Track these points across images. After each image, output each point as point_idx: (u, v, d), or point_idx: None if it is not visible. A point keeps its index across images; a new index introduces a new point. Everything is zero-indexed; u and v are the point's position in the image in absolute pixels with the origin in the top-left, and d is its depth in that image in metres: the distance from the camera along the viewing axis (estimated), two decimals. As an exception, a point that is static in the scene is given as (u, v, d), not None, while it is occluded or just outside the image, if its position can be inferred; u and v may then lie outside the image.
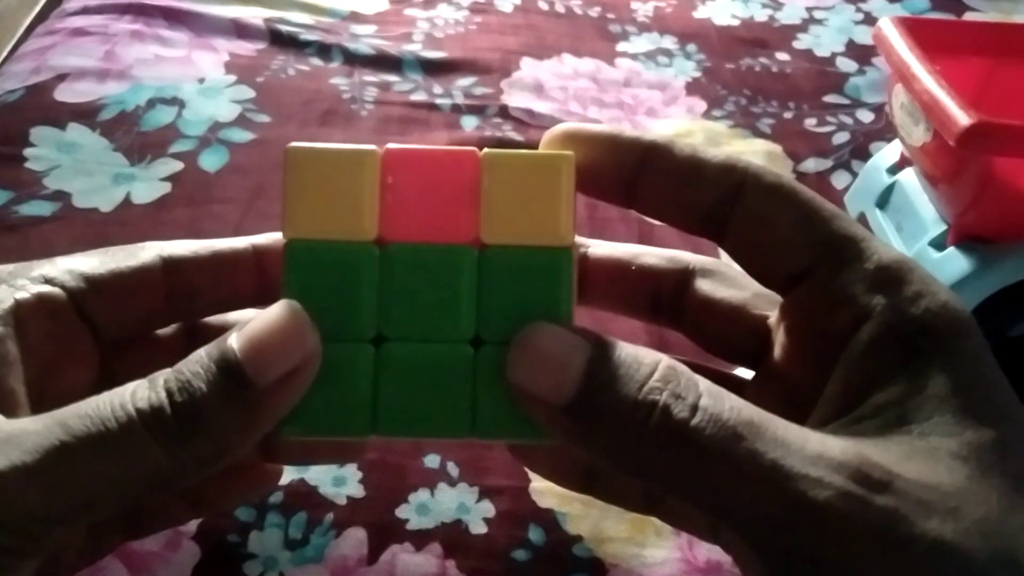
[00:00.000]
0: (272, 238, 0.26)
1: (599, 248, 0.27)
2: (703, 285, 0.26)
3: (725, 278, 0.26)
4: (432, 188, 0.21)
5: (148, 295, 0.24)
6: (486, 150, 0.21)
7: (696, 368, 0.22)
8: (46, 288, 0.23)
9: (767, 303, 0.25)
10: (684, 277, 0.27)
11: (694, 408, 0.19)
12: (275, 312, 0.20)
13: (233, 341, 0.20)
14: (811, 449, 0.19)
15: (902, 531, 0.18)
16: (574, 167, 0.21)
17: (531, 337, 0.20)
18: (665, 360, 0.20)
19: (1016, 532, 0.18)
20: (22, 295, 0.22)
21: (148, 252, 0.24)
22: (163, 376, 0.20)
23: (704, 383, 0.20)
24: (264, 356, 0.20)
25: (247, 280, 0.25)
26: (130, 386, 0.20)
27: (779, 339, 0.24)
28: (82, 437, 0.19)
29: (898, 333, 0.21)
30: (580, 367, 0.20)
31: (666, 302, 0.27)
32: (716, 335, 0.26)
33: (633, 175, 0.23)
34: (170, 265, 0.24)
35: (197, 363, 0.20)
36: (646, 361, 0.20)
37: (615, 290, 0.27)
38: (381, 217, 0.21)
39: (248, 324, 0.20)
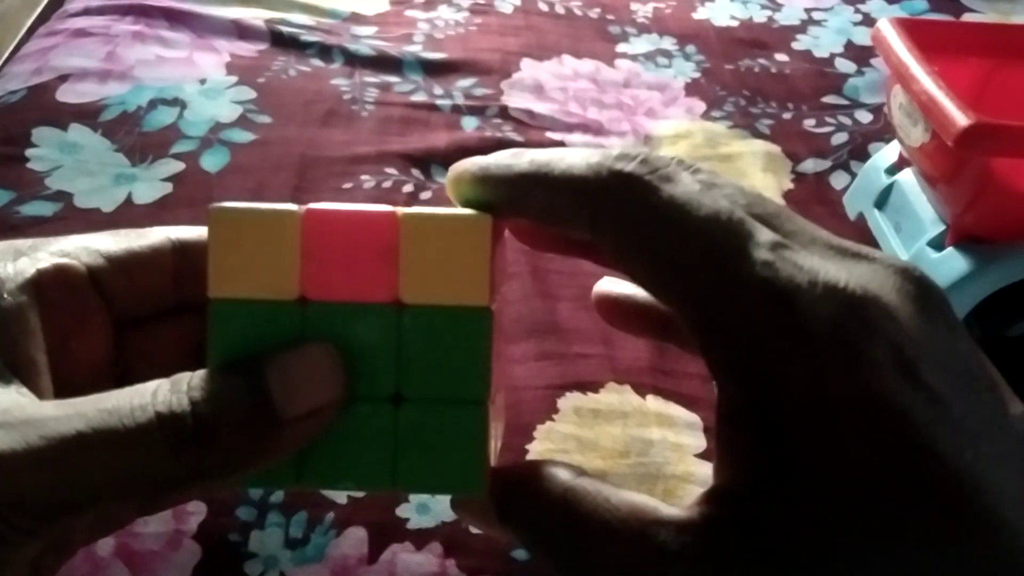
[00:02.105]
0: None
1: (605, 287, 0.26)
2: None
3: None
4: (353, 247, 0.21)
5: (159, 274, 0.25)
6: (403, 211, 0.21)
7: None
8: (65, 260, 0.23)
9: None
10: None
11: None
12: (311, 350, 0.21)
13: (269, 372, 0.20)
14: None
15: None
16: (491, 228, 0.21)
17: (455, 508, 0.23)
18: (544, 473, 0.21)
19: None
20: (43, 265, 0.23)
21: (157, 234, 0.25)
22: (187, 381, 0.20)
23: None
24: (294, 391, 0.20)
25: None
26: (151, 385, 0.20)
27: None
28: (100, 430, 0.19)
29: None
30: (493, 518, 0.22)
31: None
32: None
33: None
34: (178, 246, 0.25)
35: (227, 379, 0.20)
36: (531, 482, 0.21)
37: (625, 324, 0.27)
38: (303, 276, 0.21)
39: (284, 356, 0.21)
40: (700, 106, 0.73)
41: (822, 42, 0.82)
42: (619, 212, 0.20)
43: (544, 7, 0.86)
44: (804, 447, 0.18)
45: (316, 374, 0.21)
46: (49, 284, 0.23)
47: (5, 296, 0.22)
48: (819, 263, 0.19)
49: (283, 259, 0.21)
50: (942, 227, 0.50)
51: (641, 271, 0.20)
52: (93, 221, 0.58)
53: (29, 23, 1.01)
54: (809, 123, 0.71)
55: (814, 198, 0.64)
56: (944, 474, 0.17)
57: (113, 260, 0.24)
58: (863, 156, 0.66)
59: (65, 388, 0.23)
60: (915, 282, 0.19)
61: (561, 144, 0.67)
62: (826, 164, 0.67)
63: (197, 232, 0.26)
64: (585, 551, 0.20)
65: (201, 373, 0.20)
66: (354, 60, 0.76)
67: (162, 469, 0.20)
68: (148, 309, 0.25)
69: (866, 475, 0.17)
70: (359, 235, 0.21)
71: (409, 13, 0.84)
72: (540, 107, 0.71)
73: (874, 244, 0.55)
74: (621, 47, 0.81)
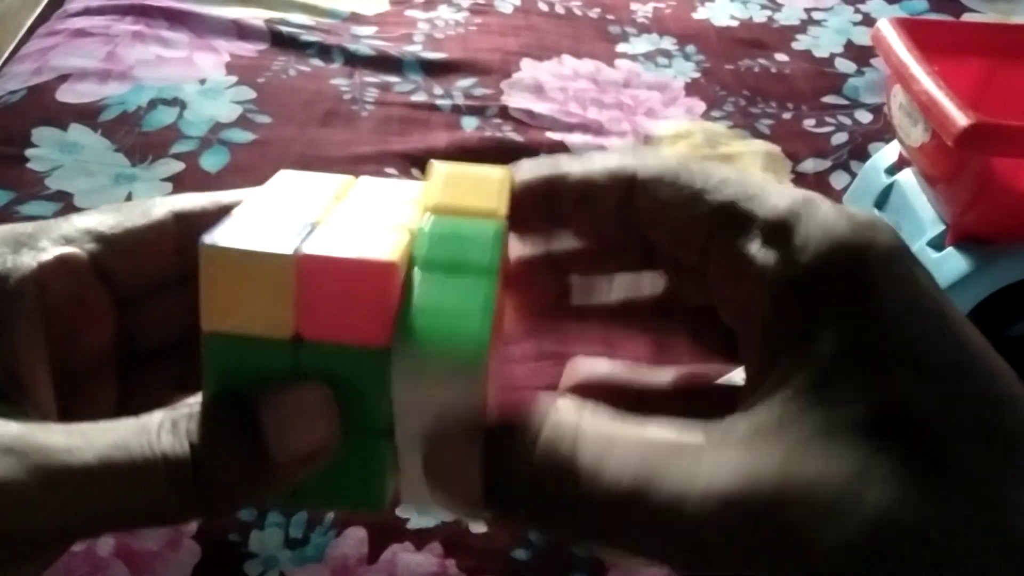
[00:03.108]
0: None
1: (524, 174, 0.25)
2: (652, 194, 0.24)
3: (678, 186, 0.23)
4: (349, 295, 0.21)
5: (161, 249, 0.25)
6: (403, 261, 0.21)
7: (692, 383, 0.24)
8: (67, 250, 0.23)
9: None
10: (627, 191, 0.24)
11: (580, 475, 0.19)
12: (304, 391, 0.21)
13: (263, 414, 0.20)
14: (698, 488, 0.18)
15: (794, 545, 0.17)
16: (497, 284, 0.22)
17: (428, 469, 0.21)
18: (549, 418, 0.20)
19: (918, 509, 0.17)
20: (44, 258, 0.23)
21: (160, 208, 0.25)
22: (186, 425, 0.20)
23: (599, 433, 0.20)
24: (289, 434, 0.20)
25: None
26: (155, 420, 0.20)
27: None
28: (107, 463, 0.19)
29: (790, 292, 0.20)
30: (476, 478, 0.20)
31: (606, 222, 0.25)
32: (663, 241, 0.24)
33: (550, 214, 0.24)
34: (181, 219, 0.25)
35: (223, 422, 0.21)
36: (533, 425, 0.20)
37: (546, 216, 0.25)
38: (298, 317, 0.21)
39: (278, 396, 0.21)
40: (700, 106, 0.73)
41: (822, 42, 0.82)
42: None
43: (544, 7, 0.86)
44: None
45: (310, 417, 0.21)
46: (52, 277, 0.23)
47: (5, 296, 0.22)
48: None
49: (277, 300, 0.21)
50: (942, 227, 0.50)
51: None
52: (93, 221, 0.58)
53: (29, 23, 1.01)
54: (809, 123, 0.71)
55: (814, 198, 0.64)
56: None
57: (115, 242, 0.24)
58: (863, 156, 0.66)
59: (68, 376, 0.23)
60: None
61: (561, 144, 0.67)
62: (826, 164, 0.67)
63: (200, 201, 0.26)
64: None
65: (198, 414, 0.21)
66: (354, 60, 0.76)
67: (162, 504, 0.20)
68: (151, 285, 0.25)
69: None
70: (356, 283, 0.21)
71: (409, 13, 0.84)
72: (540, 107, 0.71)
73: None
74: (621, 47, 0.81)
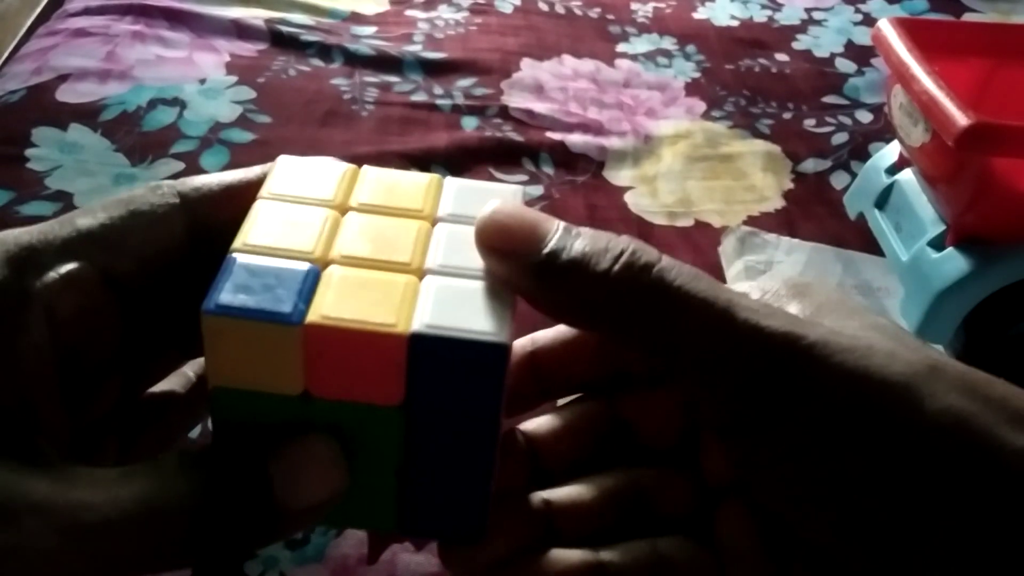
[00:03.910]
0: None
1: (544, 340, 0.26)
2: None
3: None
4: (358, 361, 0.21)
5: (170, 246, 0.24)
6: (413, 331, 0.20)
7: None
8: (73, 266, 0.22)
9: None
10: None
11: (657, 257, 0.21)
12: (313, 444, 0.21)
13: (272, 466, 0.21)
14: (759, 300, 0.21)
15: (839, 343, 0.20)
16: (507, 355, 0.21)
17: (500, 207, 0.22)
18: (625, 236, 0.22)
19: (929, 352, 0.21)
20: (51, 278, 0.22)
21: (165, 199, 0.24)
22: (200, 476, 0.21)
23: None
24: (297, 486, 0.21)
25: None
26: (170, 468, 0.21)
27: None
28: (131, 516, 0.20)
29: (774, 289, 0.23)
30: (549, 228, 0.21)
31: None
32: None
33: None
34: (188, 207, 0.24)
35: (234, 475, 0.21)
36: (606, 232, 0.22)
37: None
38: (307, 377, 0.21)
39: (287, 450, 0.21)
40: (700, 106, 0.73)
41: (822, 42, 0.82)
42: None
43: (544, 7, 0.86)
44: None
45: (318, 468, 0.21)
46: (60, 299, 0.22)
47: (15, 328, 0.21)
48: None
49: (285, 362, 0.20)
50: (942, 227, 0.50)
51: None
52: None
53: (29, 23, 1.00)
54: (809, 123, 0.71)
55: (814, 198, 0.64)
56: None
57: (122, 248, 0.23)
58: (863, 156, 0.66)
59: (77, 387, 0.23)
60: None
61: (561, 143, 0.67)
62: (826, 164, 0.67)
63: (207, 184, 0.25)
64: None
65: (212, 461, 0.21)
66: (354, 60, 0.76)
67: (177, 554, 0.20)
68: (159, 277, 0.24)
69: None
70: (365, 351, 0.20)
71: (409, 13, 0.84)
72: (540, 107, 0.71)
73: (874, 244, 0.55)
74: (621, 47, 0.81)
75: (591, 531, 0.24)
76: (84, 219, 0.23)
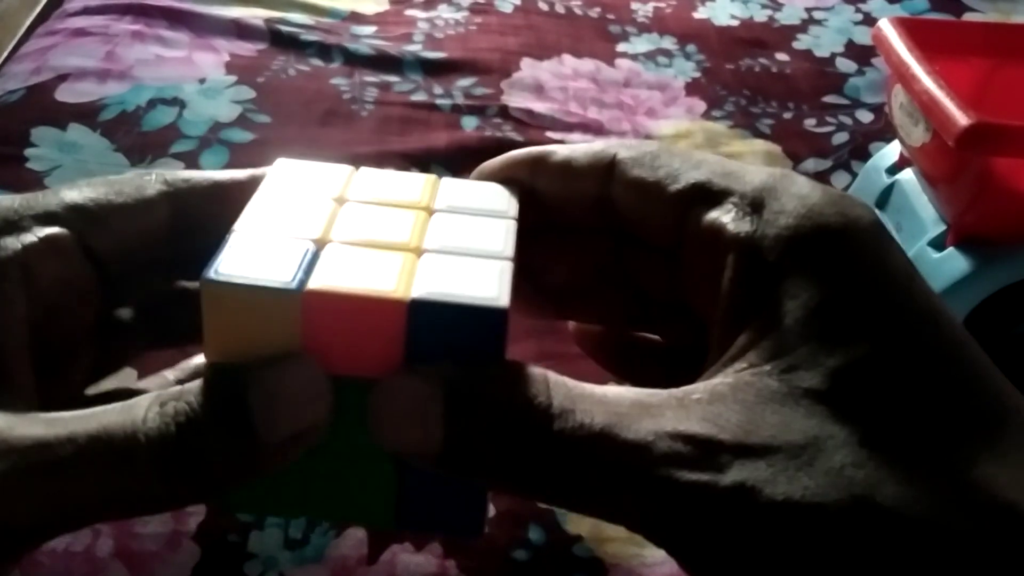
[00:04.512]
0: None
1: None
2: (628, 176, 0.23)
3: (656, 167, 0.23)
4: (356, 329, 0.20)
5: (152, 229, 0.24)
6: (413, 298, 0.20)
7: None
8: (54, 230, 0.22)
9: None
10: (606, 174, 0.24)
11: (552, 415, 0.19)
12: (296, 372, 0.20)
13: (251, 394, 0.20)
14: (665, 430, 0.18)
15: (753, 501, 0.17)
16: (506, 318, 0.21)
17: (382, 400, 0.20)
18: (534, 372, 0.20)
19: (876, 472, 0.17)
20: (30, 239, 0.22)
21: (152, 185, 0.24)
22: (174, 405, 0.20)
23: (566, 385, 0.20)
24: (277, 416, 0.20)
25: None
26: (142, 404, 0.20)
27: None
28: (88, 455, 0.19)
29: (759, 259, 0.20)
30: (438, 415, 0.19)
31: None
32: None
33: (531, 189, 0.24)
34: (173, 197, 0.24)
35: (210, 403, 0.20)
36: (507, 382, 0.20)
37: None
38: (303, 348, 0.20)
39: (266, 373, 0.20)
40: (700, 106, 0.73)
41: (823, 42, 0.82)
42: None
43: (544, 7, 0.86)
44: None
45: (300, 396, 0.20)
46: (38, 260, 0.22)
47: None
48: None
49: (283, 333, 0.20)
50: (943, 227, 0.49)
51: None
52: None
53: (28, 23, 1.00)
54: (810, 123, 0.71)
55: (814, 198, 0.64)
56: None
57: (104, 221, 0.23)
58: (864, 156, 0.66)
59: (48, 352, 0.23)
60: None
61: (561, 143, 0.67)
62: (827, 164, 0.67)
63: (194, 178, 0.25)
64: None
65: (188, 394, 0.20)
66: (354, 60, 0.76)
67: (147, 491, 0.19)
68: (139, 263, 0.24)
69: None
70: (364, 319, 0.20)
71: (409, 13, 0.84)
72: (540, 107, 0.71)
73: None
74: (621, 47, 0.81)
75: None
76: (69, 192, 0.23)
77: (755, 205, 0.20)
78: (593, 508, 0.19)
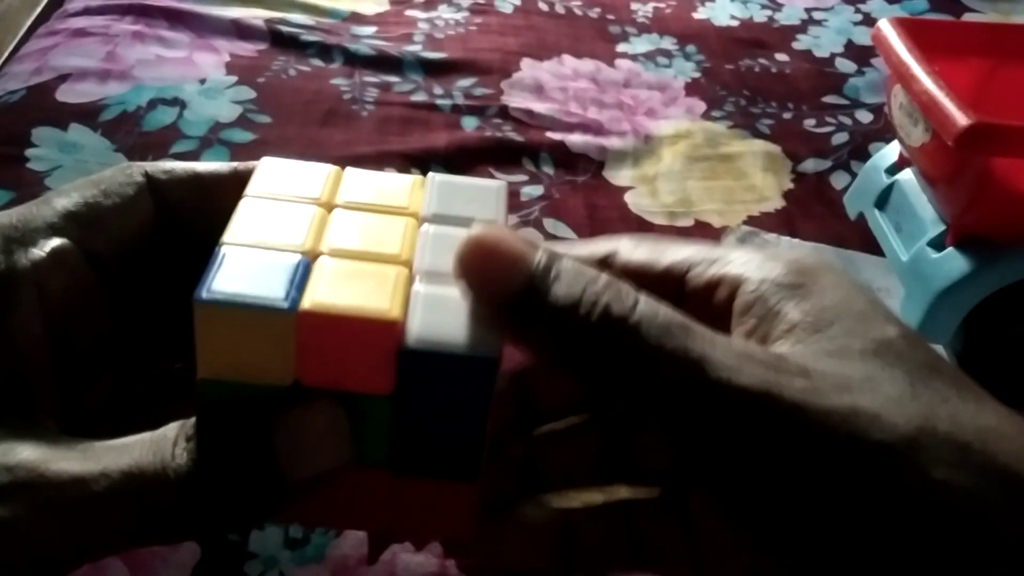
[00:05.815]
0: (252, 165, 0.25)
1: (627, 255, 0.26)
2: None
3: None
4: (350, 347, 0.20)
5: (141, 224, 0.24)
6: (406, 346, 0.21)
7: None
8: (58, 242, 0.23)
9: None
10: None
11: (633, 307, 0.20)
12: (318, 414, 0.21)
13: (278, 438, 0.20)
14: (735, 347, 0.20)
15: (818, 405, 0.19)
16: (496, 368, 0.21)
17: (482, 235, 0.21)
18: (605, 273, 0.21)
19: (929, 405, 0.19)
20: (38, 255, 0.22)
21: (134, 181, 0.24)
22: (206, 443, 0.20)
23: (642, 294, 0.21)
24: (301, 455, 0.20)
25: (229, 199, 0.24)
26: (169, 438, 0.20)
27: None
28: (120, 491, 0.19)
29: (775, 278, 0.22)
30: (530, 264, 0.20)
31: None
32: None
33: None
34: (156, 190, 0.25)
35: (237, 443, 0.20)
36: (589, 270, 0.21)
37: None
38: (298, 365, 0.21)
39: (290, 417, 0.20)
40: (700, 106, 0.73)
41: (822, 42, 0.82)
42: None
43: (544, 7, 0.86)
44: None
45: (323, 437, 0.21)
46: (49, 275, 0.22)
47: (6, 304, 0.21)
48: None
49: (276, 351, 0.20)
50: (942, 227, 0.50)
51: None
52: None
53: (29, 23, 1.00)
54: (809, 123, 0.71)
55: (814, 198, 0.64)
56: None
57: (97, 224, 0.23)
58: (863, 156, 0.66)
59: (69, 364, 0.23)
60: None
61: (561, 143, 0.67)
62: (826, 164, 0.67)
63: (175, 171, 0.25)
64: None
65: (213, 435, 0.20)
66: (354, 60, 0.76)
67: (172, 525, 0.20)
68: (131, 252, 0.25)
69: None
70: (357, 337, 0.20)
71: (409, 13, 0.84)
72: (540, 107, 0.71)
73: (874, 244, 0.55)
74: (621, 47, 0.81)
75: (574, 475, 0.25)
76: (61, 199, 0.24)
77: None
78: (633, 393, 0.20)
